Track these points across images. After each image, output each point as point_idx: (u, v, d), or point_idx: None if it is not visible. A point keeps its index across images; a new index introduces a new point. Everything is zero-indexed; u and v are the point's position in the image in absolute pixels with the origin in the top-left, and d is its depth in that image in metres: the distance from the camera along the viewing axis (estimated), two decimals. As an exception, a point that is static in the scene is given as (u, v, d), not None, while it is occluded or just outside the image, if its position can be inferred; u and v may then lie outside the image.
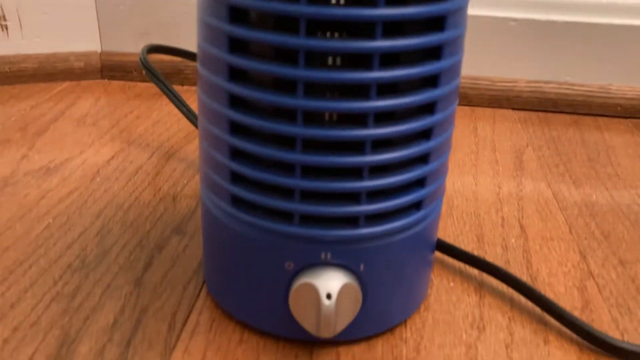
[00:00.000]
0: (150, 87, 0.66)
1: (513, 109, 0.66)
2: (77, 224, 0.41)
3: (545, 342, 0.32)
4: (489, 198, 0.47)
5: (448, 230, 0.42)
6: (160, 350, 0.30)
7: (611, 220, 0.45)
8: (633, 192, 0.49)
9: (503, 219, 0.44)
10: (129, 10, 0.66)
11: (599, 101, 0.64)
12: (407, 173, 0.28)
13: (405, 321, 0.33)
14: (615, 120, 0.64)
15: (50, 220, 0.41)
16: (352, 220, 0.28)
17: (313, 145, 0.27)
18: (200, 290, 0.35)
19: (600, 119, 0.64)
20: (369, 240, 0.29)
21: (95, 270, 0.36)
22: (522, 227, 0.43)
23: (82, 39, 0.67)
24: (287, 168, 0.27)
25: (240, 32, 0.25)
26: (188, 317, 0.33)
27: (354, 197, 0.28)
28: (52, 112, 0.58)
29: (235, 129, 0.28)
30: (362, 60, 0.25)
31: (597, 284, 0.37)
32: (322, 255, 0.29)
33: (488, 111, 0.65)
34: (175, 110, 0.60)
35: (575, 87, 0.64)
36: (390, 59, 0.26)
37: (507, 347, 0.32)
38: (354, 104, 0.26)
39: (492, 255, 0.40)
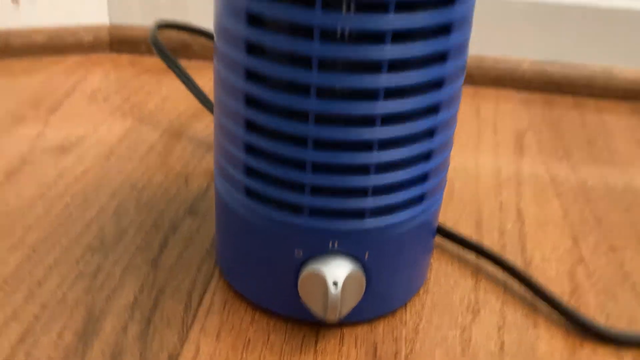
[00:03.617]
0: (159, 61, 0.67)
1: (516, 89, 0.67)
2: (94, 204, 0.42)
3: (535, 325, 0.35)
4: (488, 182, 0.49)
5: (448, 215, 0.44)
6: (178, 329, 0.33)
7: (604, 206, 0.47)
8: (627, 177, 0.51)
9: (501, 203, 0.46)
10: (137, -16, 0.67)
11: (601, 83, 0.65)
12: (411, 169, 0.30)
13: (406, 304, 0.35)
14: (616, 102, 0.65)
15: (69, 200, 0.43)
16: (359, 214, 0.30)
17: (324, 144, 0.28)
18: (213, 271, 0.37)
19: (601, 101, 0.65)
20: (374, 232, 0.31)
21: (114, 250, 0.38)
22: (519, 211, 0.45)
23: (90, 12, 0.67)
24: (298, 165, 0.29)
25: (257, 35, 0.27)
26: (203, 297, 0.35)
27: (361, 192, 0.30)
28: (63, 87, 0.60)
29: (251, 126, 0.30)
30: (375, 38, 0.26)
31: (586, 269, 0.40)
32: (330, 245, 0.31)
33: (491, 91, 0.66)
34: (183, 86, 0.62)
35: (578, 69, 0.65)
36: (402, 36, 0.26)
37: (499, 329, 0.34)
38: (362, 104, 0.27)
39: (490, 240, 0.42)
